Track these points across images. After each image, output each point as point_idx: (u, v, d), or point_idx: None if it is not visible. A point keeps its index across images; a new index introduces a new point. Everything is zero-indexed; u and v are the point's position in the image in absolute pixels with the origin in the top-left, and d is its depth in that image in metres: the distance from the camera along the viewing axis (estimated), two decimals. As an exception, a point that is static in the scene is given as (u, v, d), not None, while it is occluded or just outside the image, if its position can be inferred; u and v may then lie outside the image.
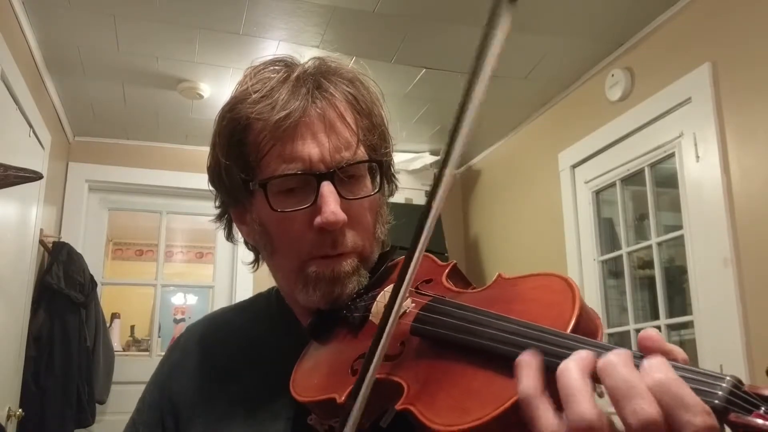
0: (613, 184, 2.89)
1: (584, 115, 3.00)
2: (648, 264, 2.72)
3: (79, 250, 3.33)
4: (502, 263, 3.67)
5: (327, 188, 0.70)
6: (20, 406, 2.82)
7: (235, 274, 3.85)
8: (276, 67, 0.76)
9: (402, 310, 0.63)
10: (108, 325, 3.68)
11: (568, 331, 0.51)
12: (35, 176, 1.66)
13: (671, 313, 2.55)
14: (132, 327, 5.72)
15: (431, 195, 0.54)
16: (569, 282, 0.56)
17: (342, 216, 0.70)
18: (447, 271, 0.71)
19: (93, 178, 3.71)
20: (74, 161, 3.67)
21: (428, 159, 3.90)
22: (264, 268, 0.83)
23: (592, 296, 2.89)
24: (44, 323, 3.04)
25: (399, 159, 3.74)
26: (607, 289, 2.93)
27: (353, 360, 0.65)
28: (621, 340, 2.79)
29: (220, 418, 0.76)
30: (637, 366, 0.44)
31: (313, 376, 0.69)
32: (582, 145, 2.99)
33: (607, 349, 0.46)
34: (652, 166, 2.65)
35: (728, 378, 0.42)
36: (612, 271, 2.94)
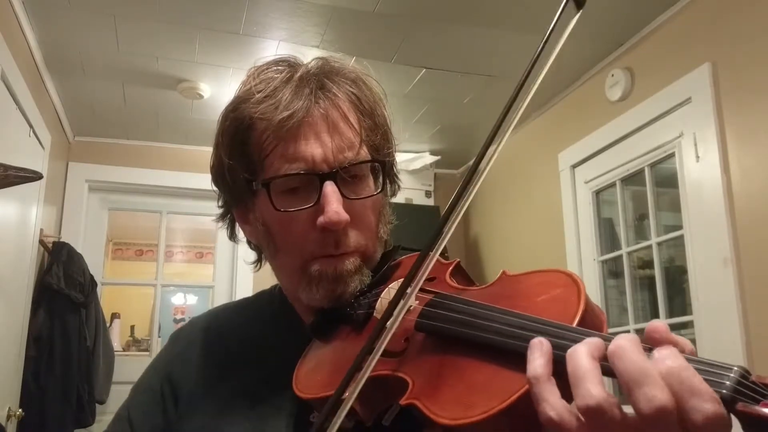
0: (613, 184, 2.89)
1: (584, 115, 3.00)
2: (648, 264, 2.72)
3: (79, 250, 3.33)
4: (502, 263, 3.67)
5: (330, 188, 0.70)
6: (20, 406, 2.81)
7: (235, 274, 3.86)
8: (279, 67, 0.76)
9: (406, 307, 0.63)
10: (108, 325, 3.68)
11: (575, 325, 0.51)
12: (35, 176, 1.67)
13: (671, 313, 2.55)
14: (132, 327, 5.72)
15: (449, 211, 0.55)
16: (574, 277, 0.56)
17: (345, 216, 0.70)
18: (451, 268, 0.71)
19: (93, 178, 3.71)
20: (74, 161, 3.67)
21: (428, 159, 3.90)
22: (264, 268, 0.83)
23: (592, 296, 2.85)
24: (44, 323, 3.04)
25: (399, 159, 3.73)
26: (607, 289, 2.93)
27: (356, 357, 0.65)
28: (621, 340, 2.79)
29: (221, 413, 0.76)
30: (648, 355, 0.44)
31: (316, 373, 0.69)
32: (582, 145, 2.99)
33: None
34: (652, 166, 2.65)
35: (736, 368, 0.43)
36: (612, 271, 2.94)
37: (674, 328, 2.54)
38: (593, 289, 2.91)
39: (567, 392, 0.45)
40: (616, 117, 2.76)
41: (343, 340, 0.72)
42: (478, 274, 3.85)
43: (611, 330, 2.88)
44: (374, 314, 0.70)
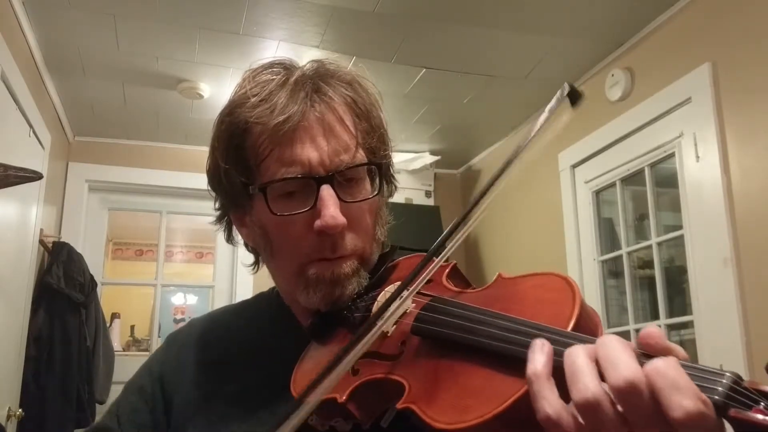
0: (613, 184, 2.89)
1: (584, 115, 3.00)
2: (648, 264, 2.72)
3: (79, 250, 3.33)
4: (502, 263, 3.67)
5: (326, 192, 0.70)
6: (20, 406, 2.82)
7: (235, 274, 3.86)
8: (274, 70, 0.76)
9: (402, 311, 0.63)
10: (108, 325, 3.68)
11: (569, 329, 0.51)
12: (35, 176, 1.66)
13: (671, 313, 2.55)
14: (132, 327, 5.71)
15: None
16: (569, 281, 0.56)
17: (341, 219, 0.70)
18: (447, 271, 0.71)
19: (93, 178, 3.71)
20: (74, 161, 3.67)
21: (428, 159, 3.90)
22: (264, 268, 0.84)
23: (592, 296, 2.89)
24: (44, 323, 3.04)
25: (399, 159, 3.74)
26: (607, 289, 2.93)
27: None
28: (621, 340, 2.79)
29: (219, 416, 0.76)
30: (642, 364, 0.44)
31: (313, 375, 0.69)
32: (582, 145, 2.99)
33: None
34: (652, 166, 2.65)
35: (728, 374, 0.43)
36: (612, 271, 2.94)
37: (674, 328, 2.55)
38: (593, 289, 2.91)
39: (563, 395, 0.46)
40: (616, 117, 2.76)
41: (341, 343, 0.71)
42: (477, 273, 3.85)
43: (611, 330, 2.88)
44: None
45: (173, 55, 2.82)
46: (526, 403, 0.47)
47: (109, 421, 0.81)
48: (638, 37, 2.66)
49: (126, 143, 3.79)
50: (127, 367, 3.51)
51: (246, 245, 0.84)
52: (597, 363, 0.45)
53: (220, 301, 3.84)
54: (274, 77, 0.75)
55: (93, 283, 3.29)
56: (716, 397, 0.42)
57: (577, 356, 0.46)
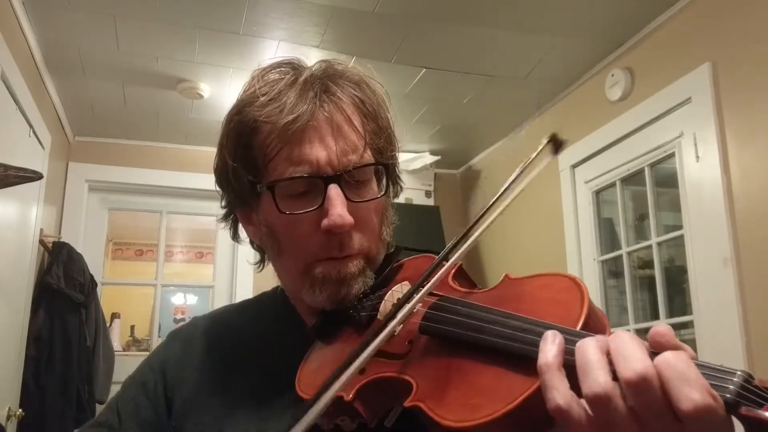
0: (613, 184, 2.89)
1: (584, 115, 3.00)
2: (648, 264, 2.73)
3: (79, 250, 3.33)
4: (502, 263, 3.67)
5: (334, 191, 0.71)
6: (20, 406, 2.81)
7: (235, 274, 3.85)
8: (283, 70, 0.77)
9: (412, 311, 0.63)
10: (108, 325, 3.67)
11: (578, 328, 0.52)
12: (35, 176, 1.66)
13: (671, 313, 2.55)
14: (132, 327, 5.71)
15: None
16: (577, 281, 0.57)
17: (349, 219, 0.71)
18: (453, 272, 0.71)
19: (93, 178, 3.71)
20: (74, 161, 3.67)
21: (428, 159, 3.90)
22: (267, 268, 0.84)
23: (593, 296, 2.85)
24: (44, 323, 3.04)
25: (399, 159, 3.73)
26: (607, 289, 2.93)
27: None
28: (621, 340, 2.79)
29: (223, 414, 0.76)
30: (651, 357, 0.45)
31: (318, 374, 0.69)
32: (582, 145, 2.99)
33: None
34: (652, 166, 2.65)
35: (739, 372, 0.43)
36: (612, 271, 2.95)
37: (674, 328, 2.53)
38: (593, 289, 2.91)
39: (574, 388, 0.46)
40: (616, 117, 2.76)
41: (346, 342, 0.72)
42: (478, 274, 3.85)
43: (611, 330, 2.89)
44: (378, 316, 0.70)
45: (173, 55, 2.82)
46: (536, 401, 0.47)
47: (109, 416, 0.81)
48: (638, 37, 2.66)
49: (126, 143, 3.79)
50: (127, 367, 3.50)
51: (252, 243, 0.84)
52: (608, 356, 0.46)
53: (220, 301, 3.84)
54: (283, 77, 0.75)
55: (93, 283, 3.29)
56: (728, 395, 0.42)
57: (588, 349, 0.46)
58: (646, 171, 2.67)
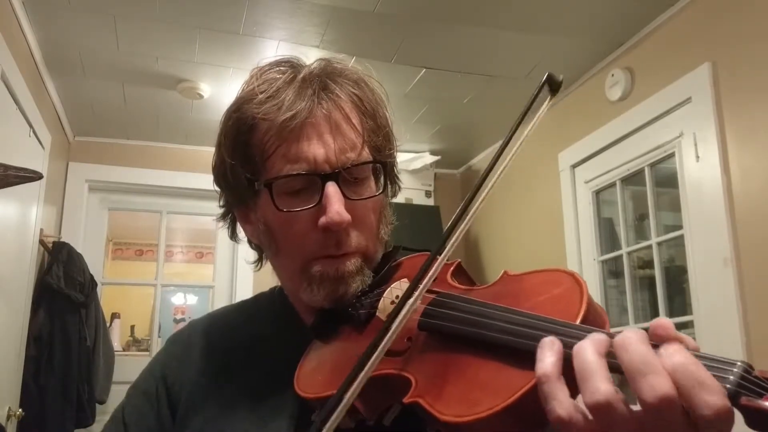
0: (613, 184, 2.89)
1: (584, 115, 3.00)
2: (648, 264, 2.72)
3: (79, 250, 3.33)
4: (502, 263, 3.67)
5: (332, 189, 0.71)
6: (20, 406, 2.81)
7: (235, 274, 3.85)
8: (282, 68, 0.77)
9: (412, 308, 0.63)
10: (108, 325, 3.68)
11: (578, 323, 0.51)
12: (35, 176, 1.66)
13: (671, 313, 2.55)
14: (132, 327, 5.72)
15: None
16: (576, 277, 0.57)
17: (346, 216, 0.70)
18: (452, 269, 0.71)
19: (93, 178, 3.71)
20: (74, 161, 3.67)
21: (428, 159, 3.90)
22: (264, 268, 0.84)
23: (593, 296, 2.88)
24: (44, 323, 3.04)
25: (399, 159, 3.73)
26: (607, 289, 2.93)
27: (358, 356, 0.65)
28: (621, 340, 2.79)
29: (222, 414, 0.76)
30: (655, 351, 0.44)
31: (317, 373, 0.69)
32: (582, 145, 2.99)
33: None
34: (652, 166, 2.65)
35: (739, 363, 0.43)
36: (612, 271, 2.94)
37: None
38: (593, 289, 2.91)
39: (572, 389, 0.46)
40: (616, 117, 2.76)
41: (345, 340, 0.72)
42: (478, 273, 3.85)
43: (611, 330, 2.90)
44: (376, 314, 0.70)
45: (173, 55, 2.82)
46: (535, 396, 0.47)
47: (116, 428, 0.81)
48: (638, 37, 2.66)
49: (126, 143, 3.79)
50: (127, 367, 3.52)
51: (250, 242, 0.84)
52: (611, 352, 0.45)
53: (220, 301, 3.84)
54: (282, 75, 0.75)
55: (93, 283, 3.29)
56: (728, 385, 0.42)
57: (586, 354, 0.45)
58: (646, 171, 2.67)
